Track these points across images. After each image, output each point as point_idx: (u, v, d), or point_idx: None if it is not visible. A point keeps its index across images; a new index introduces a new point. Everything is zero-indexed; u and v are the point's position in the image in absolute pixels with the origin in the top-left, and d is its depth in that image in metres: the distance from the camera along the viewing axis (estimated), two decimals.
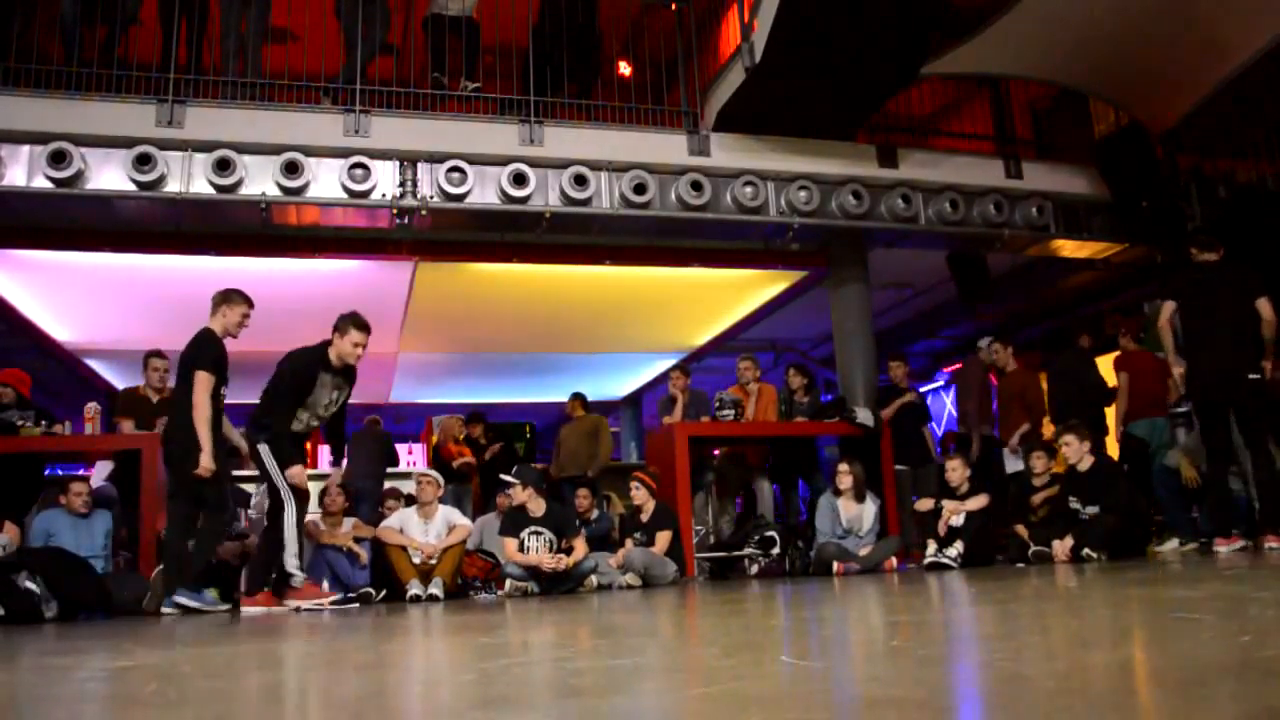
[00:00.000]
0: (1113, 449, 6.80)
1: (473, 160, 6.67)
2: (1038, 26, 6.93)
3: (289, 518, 4.88)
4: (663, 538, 6.05)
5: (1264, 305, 5.26)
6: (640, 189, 6.89)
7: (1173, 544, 5.91)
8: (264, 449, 4.91)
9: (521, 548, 5.69)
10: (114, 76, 6.32)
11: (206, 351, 4.92)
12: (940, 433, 12.24)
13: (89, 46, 6.46)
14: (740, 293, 9.59)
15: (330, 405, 5.15)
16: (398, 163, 6.61)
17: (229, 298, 5.09)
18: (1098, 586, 3.72)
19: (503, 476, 6.15)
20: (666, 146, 7.18)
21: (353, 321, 5.04)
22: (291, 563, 4.90)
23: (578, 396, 8.38)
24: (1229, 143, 8.38)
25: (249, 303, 5.12)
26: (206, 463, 4.78)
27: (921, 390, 12.44)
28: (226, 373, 5.02)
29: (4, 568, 4.66)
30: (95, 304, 8.86)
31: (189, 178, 6.24)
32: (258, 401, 5.07)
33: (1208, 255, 5.74)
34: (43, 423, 5.88)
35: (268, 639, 3.28)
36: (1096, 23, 6.90)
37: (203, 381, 4.85)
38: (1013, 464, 7.07)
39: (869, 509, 6.31)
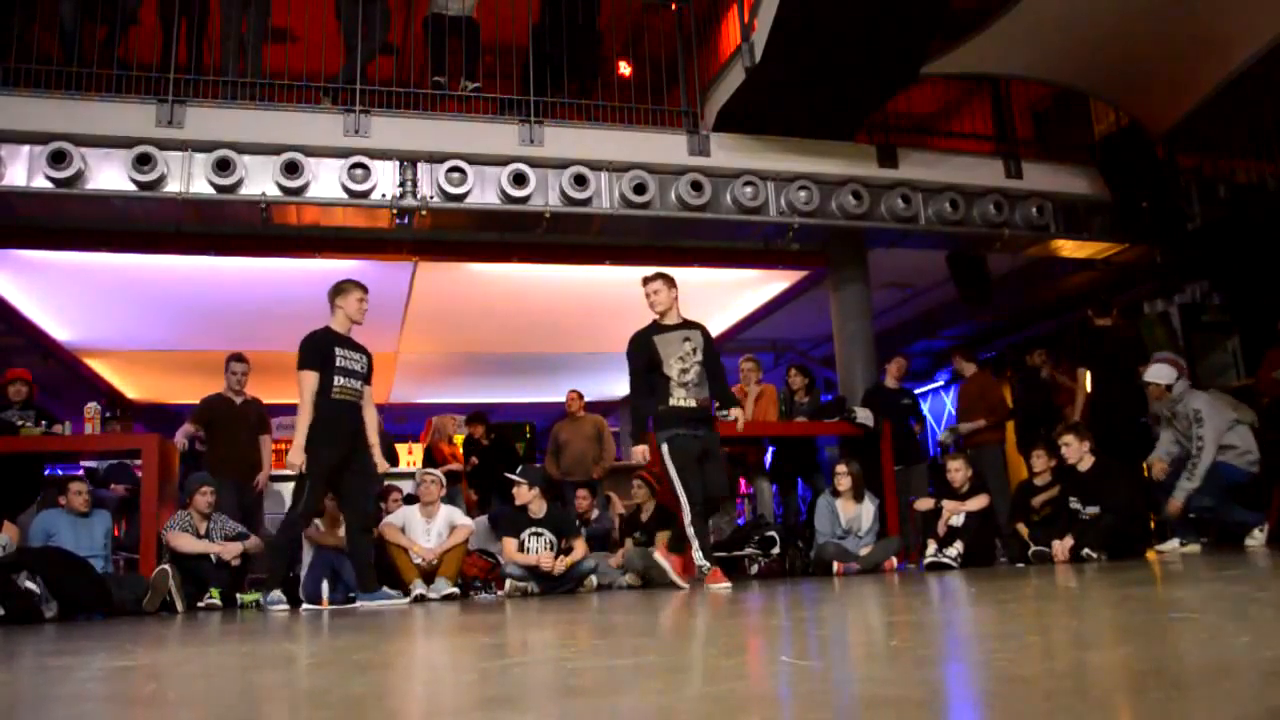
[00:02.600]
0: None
1: (473, 160, 6.67)
2: (1038, 26, 6.92)
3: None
4: (663, 538, 6.04)
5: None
6: (640, 189, 6.89)
7: (1173, 544, 5.93)
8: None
9: (522, 548, 5.69)
10: (114, 76, 6.32)
11: (305, 353, 5.12)
12: (940, 433, 12.25)
13: (89, 46, 6.46)
14: (740, 293, 9.59)
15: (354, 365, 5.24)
16: (398, 163, 6.61)
17: (341, 289, 5.26)
18: (1098, 586, 3.72)
19: (508, 475, 6.16)
20: (666, 146, 7.19)
21: (348, 282, 5.29)
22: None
23: (577, 392, 8.37)
24: (1229, 143, 8.38)
25: (361, 287, 5.29)
26: (293, 457, 4.99)
27: (922, 390, 12.49)
28: (341, 362, 5.13)
29: (4, 568, 4.66)
30: (95, 304, 8.86)
31: (189, 178, 6.24)
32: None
33: (1103, 320, 6.91)
34: (43, 423, 5.89)
35: (268, 639, 3.28)
36: (1096, 23, 6.90)
37: (305, 380, 5.04)
38: None
39: (868, 509, 6.32)
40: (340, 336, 5.23)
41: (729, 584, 4.88)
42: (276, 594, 5.08)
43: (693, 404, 5.09)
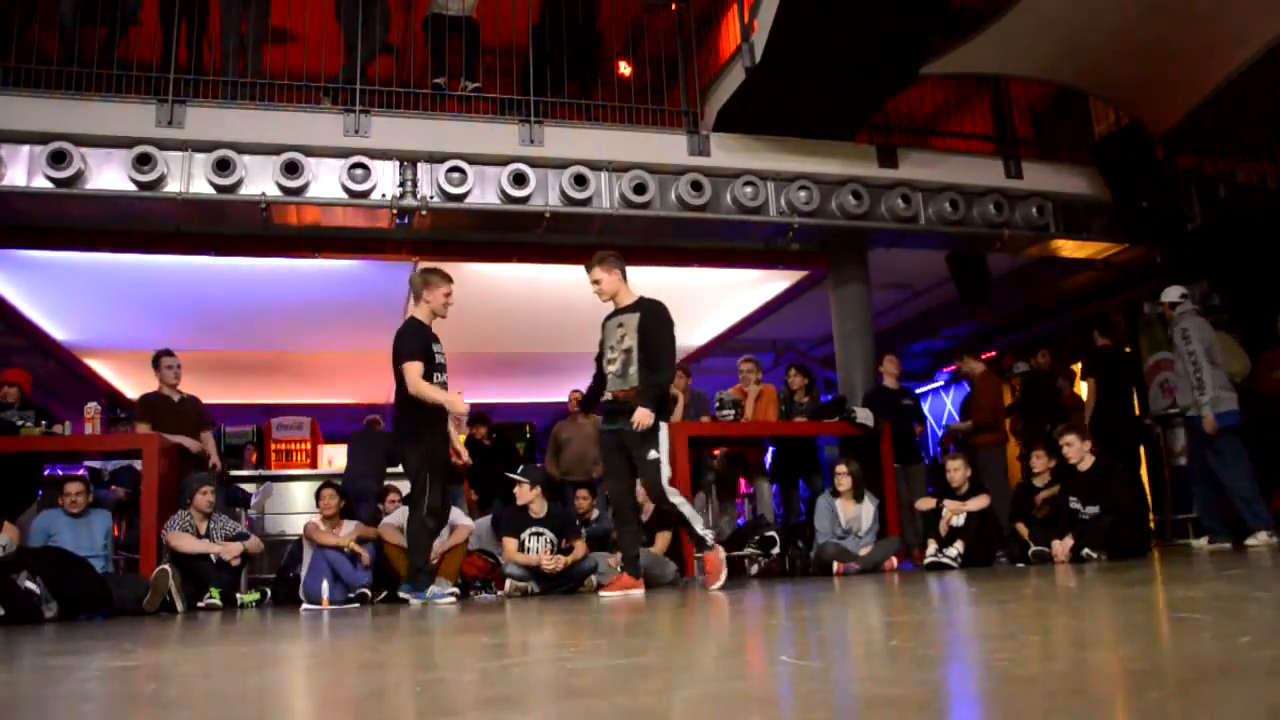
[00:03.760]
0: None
1: (473, 160, 6.67)
2: (1038, 26, 6.92)
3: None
4: (662, 538, 6.05)
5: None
6: (640, 189, 6.89)
7: (1202, 542, 6.03)
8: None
9: (522, 548, 5.69)
10: (114, 76, 6.32)
11: (407, 344, 5.01)
12: (940, 433, 12.25)
13: (89, 46, 6.46)
14: (740, 293, 9.58)
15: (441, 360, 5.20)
16: (398, 163, 6.61)
17: (427, 280, 5.17)
18: (1098, 586, 3.72)
19: (509, 475, 6.16)
20: (666, 146, 7.18)
21: (435, 273, 5.21)
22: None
23: (579, 392, 8.37)
24: (1229, 143, 8.37)
25: (447, 278, 5.21)
26: (458, 406, 4.97)
27: (922, 390, 12.49)
28: (436, 358, 5.08)
29: (4, 568, 4.66)
30: (95, 304, 8.86)
31: (189, 178, 6.24)
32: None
33: (1105, 340, 7.52)
34: (43, 423, 5.89)
35: (268, 639, 3.28)
36: (1096, 23, 6.89)
37: (412, 370, 4.94)
38: None
39: (867, 508, 6.31)
40: (430, 330, 5.17)
41: (634, 589, 4.78)
42: (435, 588, 5.01)
43: (610, 395, 4.87)
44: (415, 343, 5.01)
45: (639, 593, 4.77)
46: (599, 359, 5.09)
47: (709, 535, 4.92)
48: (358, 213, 6.66)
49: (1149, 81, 7.55)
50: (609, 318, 5.03)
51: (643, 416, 4.71)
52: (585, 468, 7.82)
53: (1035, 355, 8.40)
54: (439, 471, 5.06)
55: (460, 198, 6.63)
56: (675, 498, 4.83)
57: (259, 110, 6.50)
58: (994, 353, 10.97)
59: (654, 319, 4.90)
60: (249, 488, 7.82)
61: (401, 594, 5.05)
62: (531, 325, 10.14)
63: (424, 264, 7.87)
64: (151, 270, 7.92)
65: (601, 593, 4.64)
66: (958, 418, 8.69)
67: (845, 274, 7.92)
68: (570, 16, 7.35)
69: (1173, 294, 6.58)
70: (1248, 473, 5.95)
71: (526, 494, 5.80)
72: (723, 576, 4.84)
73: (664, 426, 4.84)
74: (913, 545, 6.66)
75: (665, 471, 4.82)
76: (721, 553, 4.88)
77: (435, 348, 5.13)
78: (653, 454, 4.78)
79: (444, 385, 5.10)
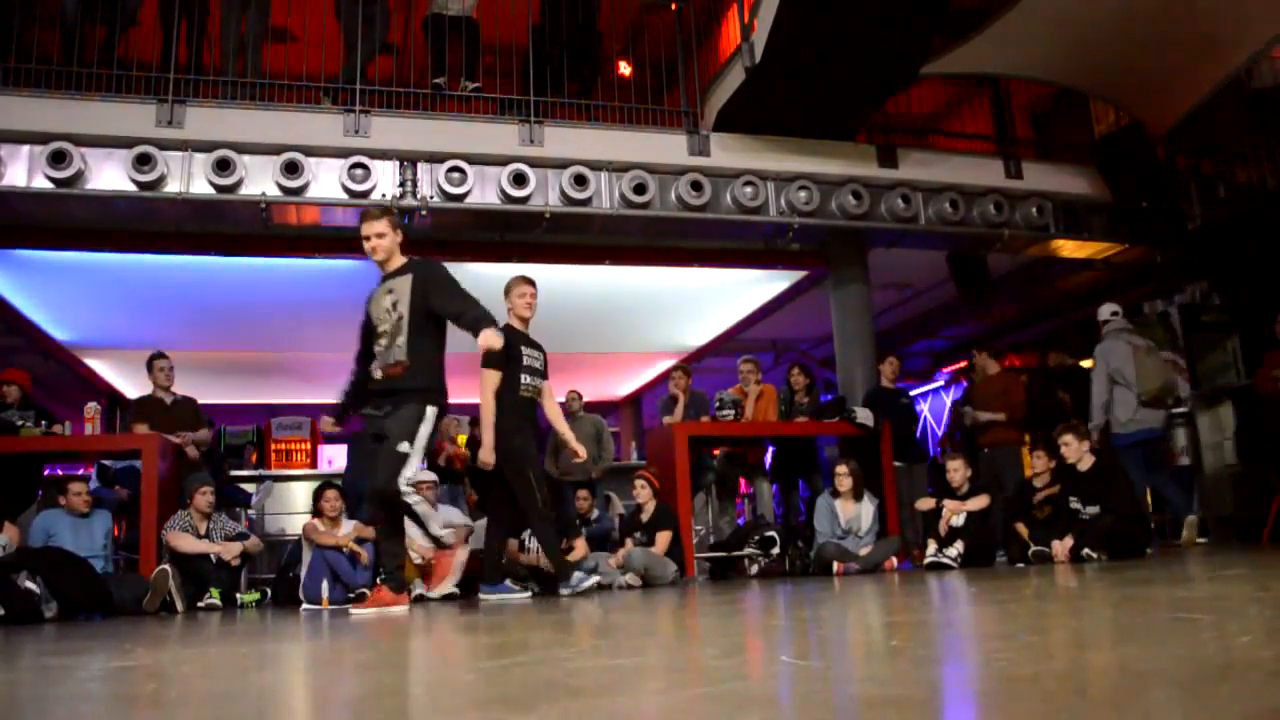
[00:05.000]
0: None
1: (473, 160, 6.67)
2: (1038, 26, 6.93)
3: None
4: (663, 538, 6.05)
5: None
6: (640, 189, 6.89)
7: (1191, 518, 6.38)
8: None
9: (522, 548, 5.69)
10: (114, 76, 6.33)
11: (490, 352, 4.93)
12: (940, 433, 12.25)
13: (89, 46, 6.46)
14: (740, 293, 9.58)
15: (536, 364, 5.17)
16: (398, 163, 6.61)
17: (507, 286, 5.25)
18: (1098, 586, 3.72)
19: None
20: (666, 146, 7.19)
21: (515, 278, 5.24)
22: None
23: (577, 392, 8.37)
24: (1229, 143, 8.37)
25: (527, 281, 5.25)
26: (485, 456, 4.86)
27: (922, 390, 12.49)
28: (525, 359, 5.06)
29: (4, 568, 4.66)
30: (95, 304, 8.86)
31: (189, 178, 6.24)
32: None
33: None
34: (43, 423, 5.88)
35: (268, 639, 3.28)
36: (1096, 23, 6.90)
37: (487, 379, 4.92)
38: None
39: (867, 508, 6.32)
40: (522, 334, 5.17)
41: (397, 606, 4.13)
42: (578, 575, 4.96)
43: (378, 374, 4.25)
44: (500, 351, 4.90)
45: (401, 609, 4.11)
46: (359, 356, 4.52)
47: (446, 535, 4.53)
48: (358, 213, 6.66)
49: (1149, 82, 7.55)
50: (376, 288, 4.41)
51: (489, 338, 4.10)
52: (585, 468, 7.81)
53: (1047, 355, 8.31)
54: (538, 467, 5.05)
55: (460, 198, 6.63)
56: (411, 497, 4.11)
57: (259, 110, 6.50)
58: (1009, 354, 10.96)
59: (431, 275, 4.31)
60: (249, 488, 7.82)
61: (562, 592, 4.94)
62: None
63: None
64: (151, 270, 7.92)
65: (353, 610, 4.00)
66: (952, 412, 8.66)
67: (845, 274, 7.92)
68: (570, 16, 7.36)
69: (1104, 313, 6.89)
70: (1137, 490, 6.16)
71: None
72: (449, 583, 4.29)
73: (430, 418, 4.16)
74: (913, 545, 6.66)
75: (411, 469, 4.10)
76: (461, 556, 4.32)
77: (528, 351, 5.11)
78: (404, 446, 4.07)
79: (535, 388, 5.09)
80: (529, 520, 5.13)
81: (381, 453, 4.10)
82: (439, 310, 4.26)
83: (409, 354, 4.18)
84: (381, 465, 4.08)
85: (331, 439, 3.54)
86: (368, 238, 4.35)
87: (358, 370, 4.56)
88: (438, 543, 4.57)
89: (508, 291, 5.23)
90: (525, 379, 5.04)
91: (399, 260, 4.42)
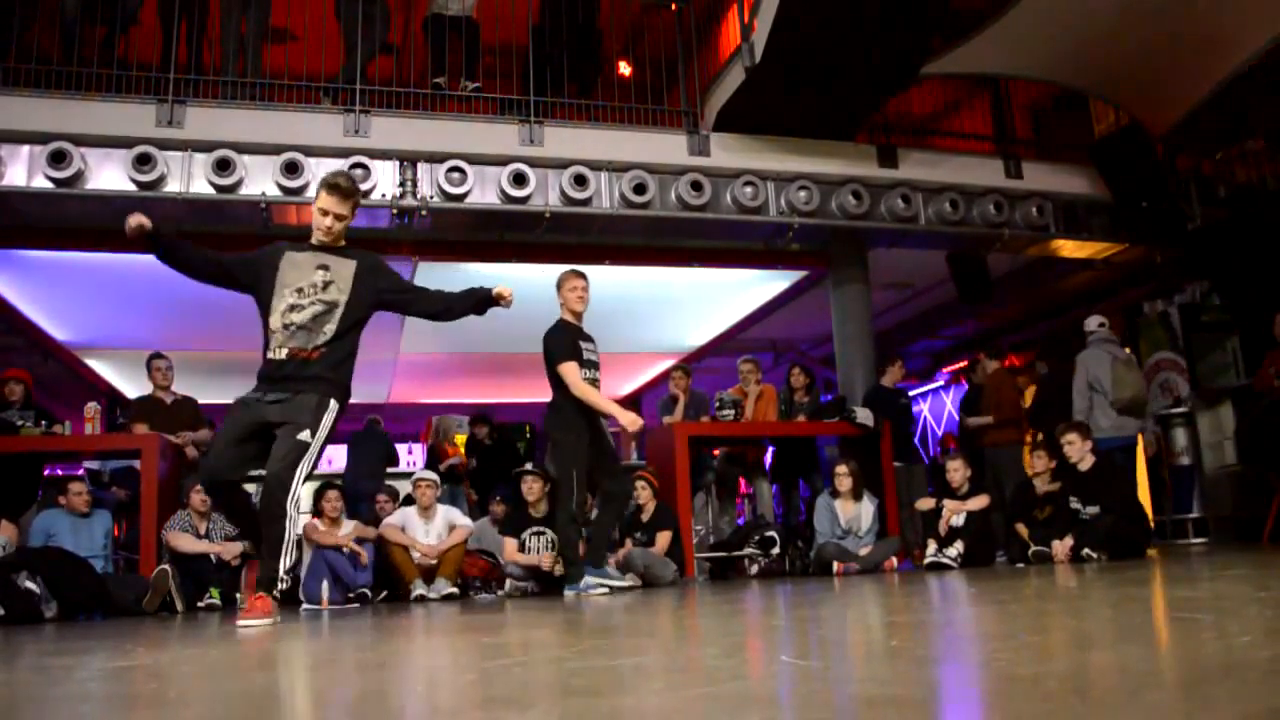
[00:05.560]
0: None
1: (473, 160, 6.67)
2: (1038, 26, 6.93)
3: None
4: (663, 538, 6.05)
5: None
6: (640, 189, 6.89)
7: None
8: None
9: (522, 548, 5.69)
10: (114, 76, 6.32)
11: (556, 346, 5.06)
12: (940, 433, 12.25)
13: (89, 46, 6.46)
14: (740, 293, 9.58)
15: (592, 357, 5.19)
16: (398, 163, 6.61)
17: (559, 281, 5.28)
18: (1098, 586, 3.72)
19: (518, 471, 6.16)
20: (666, 146, 7.19)
21: (566, 273, 5.27)
22: None
23: None
24: (1229, 143, 8.38)
25: (578, 274, 5.27)
26: (631, 422, 4.90)
27: (921, 390, 12.49)
28: (583, 355, 5.10)
29: (4, 568, 4.66)
30: (95, 304, 8.86)
31: (189, 178, 6.24)
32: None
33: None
34: (43, 423, 5.89)
35: (268, 639, 3.28)
36: (1096, 23, 6.90)
37: (570, 372, 4.97)
38: None
39: (867, 508, 6.32)
40: (577, 327, 5.20)
41: (269, 619, 3.53)
42: (587, 580, 4.96)
43: (282, 354, 3.69)
44: (562, 343, 5.03)
45: (270, 621, 3.55)
46: (218, 259, 4.09)
47: (284, 582, 3.67)
48: (358, 212, 6.65)
49: (1149, 81, 7.55)
50: (298, 251, 3.93)
51: (504, 291, 3.91)
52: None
53: (1054, 357, 8.32)
54: (584, 470, 5.05)
55: (460, 198, 6.63)
56: (292, 507, 3.55)
57: (259, 110, 6.50)
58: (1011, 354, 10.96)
59: (382, 274, 3.97)
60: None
61: (567, 593, 4.94)
62: (532, 325, 10.10)
63: (424, 263, 7.91)
64: (151, 270, 7.85)
65: (239, 621, 3.51)
66: (957, 417, 8.68)
67: (845, 274, 7.92)
68: (570, 16, 7.35)
69: (1090, 323, 7.01)
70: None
71: (537, 490, 5.80)
72: (262, 623, 3.45)
73: (334, 411, 3.69)
74: (913, 545, 6.66)
75: (308, 464, 3.59)
76: (275, 605, 3.59)
77: (585, 345, 5.14)
78: (305, 435, 3.57)
79: (593, 380, 5.12)
80: (557, 518, 5.18)
81: (282, 435, 3.57)
82: (415, 313, 4.01)
83: (331, 344, 3.72)
84: (280, 449, 3.55)
85: (133, 242, 3.15)
86: (327, 212, 3.88)
87: (208, 254, 4.15)
88: (270, 582, 3.63)
89: (559, 286, 5.28)
90: (585, 373, 5.08)
91: (340, 237, 4.02)
